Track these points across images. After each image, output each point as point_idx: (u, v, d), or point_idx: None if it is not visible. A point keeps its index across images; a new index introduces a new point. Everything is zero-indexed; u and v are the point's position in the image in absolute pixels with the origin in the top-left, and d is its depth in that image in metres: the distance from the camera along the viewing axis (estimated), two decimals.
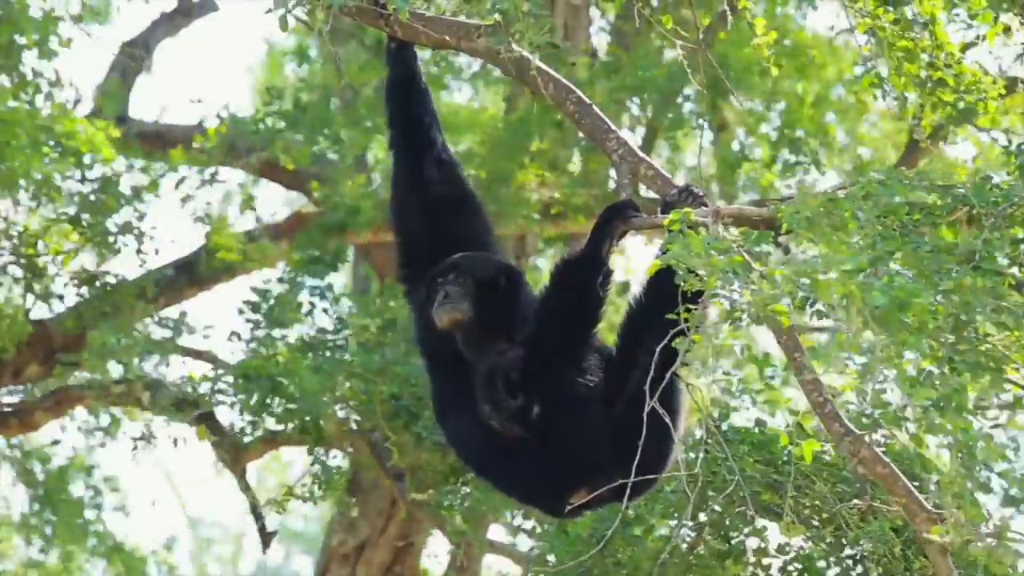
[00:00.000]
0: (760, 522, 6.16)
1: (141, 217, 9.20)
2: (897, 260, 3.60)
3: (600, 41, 11.83)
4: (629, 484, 4.13)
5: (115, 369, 9.25)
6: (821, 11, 11.34)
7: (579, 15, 11.51)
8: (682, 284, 3.84)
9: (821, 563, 6.08)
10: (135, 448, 9.19)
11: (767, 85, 10.86)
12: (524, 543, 9.27)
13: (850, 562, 5.61)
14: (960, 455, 3.60)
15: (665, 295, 4.17)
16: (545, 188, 10.30)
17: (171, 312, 9.69)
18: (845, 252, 3.53)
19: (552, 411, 4.61)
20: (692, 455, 4.45)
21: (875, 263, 3.55)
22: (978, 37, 5.03)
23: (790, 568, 6.10)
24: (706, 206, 4.46)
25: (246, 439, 9.20)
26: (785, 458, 5.59)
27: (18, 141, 8.49)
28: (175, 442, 9.10)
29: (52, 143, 8.74)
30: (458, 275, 4.82)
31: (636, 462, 4.10)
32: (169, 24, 11.04)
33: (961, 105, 4.99)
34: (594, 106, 4.86)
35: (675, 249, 3.80)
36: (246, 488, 9.89)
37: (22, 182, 8.67)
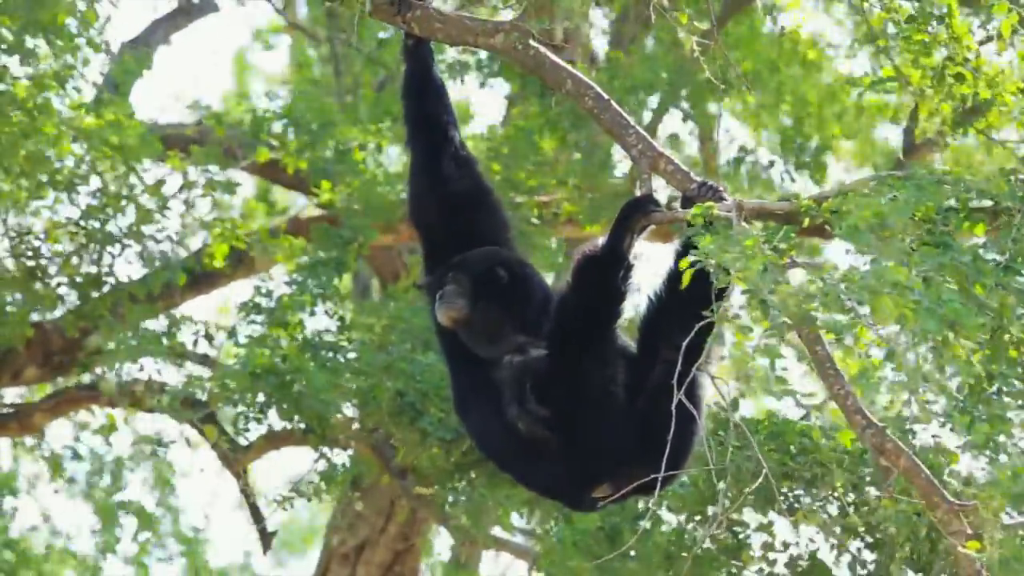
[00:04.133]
0: (767, 517, 6.19)
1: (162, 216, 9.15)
2: (939, 272, 3.59)
3: (599, 43, 11.84)
4: (660, 478, 4.14)
5: (118, 370, 9.21)
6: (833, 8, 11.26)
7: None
8: (715, 281, 3.83)
9: (828, 558, 6.10)
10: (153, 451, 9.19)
11: (774, 82, 10.86)
12: (528, 539, 9.28)
13: (867, 551, 5.63)
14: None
15: (688, 290, 4.18)
16: (548, 195, 10.26)
17: (173, 313, 9.64)
18: (895, 271, 3.52)
19: (575, 406, 4.61)
20: (719, 448, 4.46)
21: (916, 270, 3.56)
22: (995, 33, 5.03)
23: (798, 565, 6.12)
24: (725, 201, 4.47)
25: (247, 437, 9.18)
26: (801, 446, 5.63)
27: (48, 129, 8.39)
28: (187, 441, 9.10)
29: (74, 136, 8.66)
30: (456, 273, 4.87)
31: (665, 456, 4.11)
32: (169, 24, 11.01)
33: (978, 98, 5.00)
34: (612, 101, 4.88)
35: (708, 245, 3.80)
36: (246, 488, 9.87)
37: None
